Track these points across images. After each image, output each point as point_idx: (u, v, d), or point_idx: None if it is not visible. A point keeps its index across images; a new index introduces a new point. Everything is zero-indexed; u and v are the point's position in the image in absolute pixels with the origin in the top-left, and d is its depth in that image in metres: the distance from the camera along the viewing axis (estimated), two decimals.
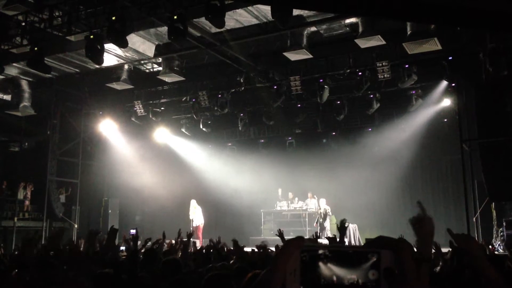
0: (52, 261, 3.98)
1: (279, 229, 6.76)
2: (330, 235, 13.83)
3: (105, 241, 5.41)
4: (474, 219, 12.92)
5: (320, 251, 1.36)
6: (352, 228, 14.68)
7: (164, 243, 7.67)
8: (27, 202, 17.24)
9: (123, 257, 6.20)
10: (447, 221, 15.26)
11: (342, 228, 5.17)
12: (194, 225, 15.53)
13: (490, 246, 10.78)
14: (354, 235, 14.52)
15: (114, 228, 5.66)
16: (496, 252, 10.37)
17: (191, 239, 10.58)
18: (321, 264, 1.35)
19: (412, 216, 1.68)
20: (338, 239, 5.59)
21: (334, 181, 16.09)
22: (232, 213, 17.58)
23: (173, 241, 8.11)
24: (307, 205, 16.13)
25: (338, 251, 1.37)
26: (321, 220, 15.32)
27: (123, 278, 3.63)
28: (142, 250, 7.06)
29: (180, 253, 6.33)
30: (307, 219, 15.84)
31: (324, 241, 6.88)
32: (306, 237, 13.75)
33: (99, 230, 7.90)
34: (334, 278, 1.34)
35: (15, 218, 16.10)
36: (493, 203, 12.95)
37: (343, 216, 16.33)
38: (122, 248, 8.00)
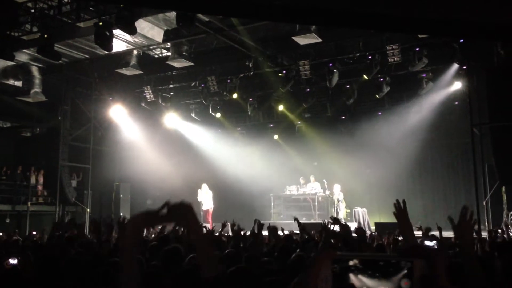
0: None
1: (295, 217, 7.54)
2: (342, 222, 13.75)
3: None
4: (484, 202, 12.91)
5: (351, 263, 1.40)
6: (361, 212, 14.71)
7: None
8: (40, 187, 17.52)
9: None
10: (457, 205, 15.27)
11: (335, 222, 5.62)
12: (203, 208, 15.67)
13: (500, 230, 10.83)
14: (364, 219, 14.55)
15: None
16: (505, 236, 10.39)
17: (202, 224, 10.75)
18: (352, 275, 1.39)
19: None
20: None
21: (343, 165, 16.08)
22: (241, 197, 17.67)
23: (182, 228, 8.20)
24: (315, 189, 16.14)
25: (369, 261, 1.40)
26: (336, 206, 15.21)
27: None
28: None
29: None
30: (316, 203, 15.87)
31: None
32: (316, 220, 13.83)
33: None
34: None
35: (29, 203, 16.39)
36: (504, 187, 12.92)
37: (352, 200, 16.33)
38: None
